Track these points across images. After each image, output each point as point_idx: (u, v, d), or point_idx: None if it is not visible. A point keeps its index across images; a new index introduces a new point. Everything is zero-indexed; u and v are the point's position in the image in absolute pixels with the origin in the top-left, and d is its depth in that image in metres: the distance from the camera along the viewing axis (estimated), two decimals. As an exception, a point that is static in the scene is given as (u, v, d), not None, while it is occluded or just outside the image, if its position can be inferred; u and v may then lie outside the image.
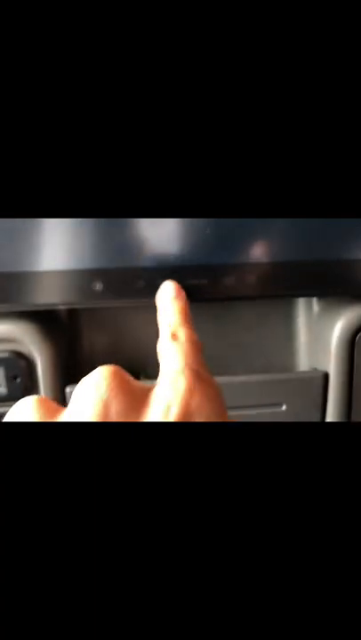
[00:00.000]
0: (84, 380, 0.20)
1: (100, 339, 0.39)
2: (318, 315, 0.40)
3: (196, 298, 0.32)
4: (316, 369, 0.39)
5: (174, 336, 0.25)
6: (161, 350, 0.25)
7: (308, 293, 0.36)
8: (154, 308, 0.40)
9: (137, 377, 0.39)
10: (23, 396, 0.35)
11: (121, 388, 0.19)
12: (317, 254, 0.33)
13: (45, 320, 0.36)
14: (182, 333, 0.25)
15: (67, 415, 0.19)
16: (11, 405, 0.35)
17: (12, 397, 0.35)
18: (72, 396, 0.20)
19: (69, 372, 0.37)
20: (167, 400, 0.19)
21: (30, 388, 0.35)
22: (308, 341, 0.41)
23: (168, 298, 0.28)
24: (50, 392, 0.35)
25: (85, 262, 0.31)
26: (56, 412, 0.20)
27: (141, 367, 0.40)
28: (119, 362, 0.39)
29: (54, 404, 0.21)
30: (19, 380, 0.35)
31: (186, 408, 0.19)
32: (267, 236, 0.33)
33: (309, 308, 0.41)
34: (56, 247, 0.30)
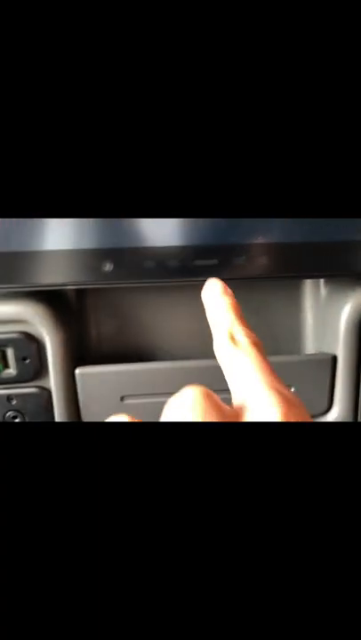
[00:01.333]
0: (175, 402, 0.20)
1: (111, 321, 0.40)
2: (326, 298, 0.40)
3: (205, 278, 0.32)
4: (323, 352, 0.39)
5: (233, 339, 0.24)
6: (223, 356, 0.24)
7: (317, 275, 0.36)
8: (163, 290, 0.40)
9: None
10: (34, 378, 0.36)
11: (215, 411, 0.19)
12: (326, 235, 0.33)
13: (55, 301, 0.36)
14: (241, 335, 0.24)
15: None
16: (20, 387, 0.36)
17: (22, 379, 0.35)
18: (163, 417, 0.19)
19: (80, 353, 0.38)
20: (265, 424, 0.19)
21: (40, 369, 0.36)
22: (316, 325, 0.41)
23: (215, 294, 0.27)
24: (59, 374, 0.36)
25: (95, 242, 0.31)
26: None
27: (150, 350, 0.40)
28: (128, 344, 0.40)
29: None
30: (28, 361, 0.35)
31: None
32: (277, 218, 0.33)
33: (317, 291, 0.41)
34: (65, 226, 0.30)
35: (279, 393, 0.20)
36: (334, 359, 0.38)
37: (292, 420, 0.19)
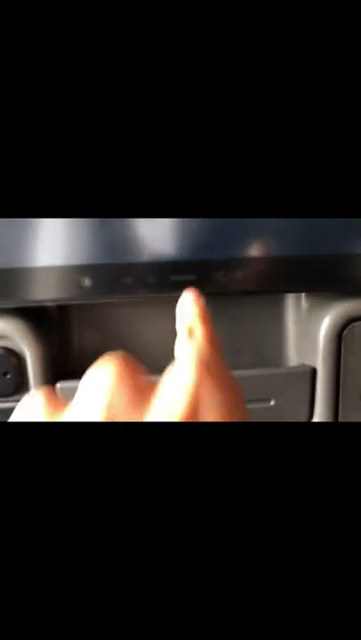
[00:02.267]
0: (91, 371, 0.20)
1: (91, 335, 0.40)
2: (307, 310, 0.41)
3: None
4: (304, 364, 0.40)
5: (190, 333, 0.24)
6: (177, 350, 0.24)
7: (296, 289, 0.36)
8: (143, 304, 0.40)
9: None
10: (15, 393, 0.36)
11: (126, 381, 0.19)
12: (305, 250, 0.34)
13: (36, 316, 0.36)
14: (199, 331, 0.24)
15: (71, 411, 0.19)
16: (1, 402, 0.36)
17: (3, 394, 0.36)
18: (79, 387, 0.20)
19: (60, 368, 0.38)
20: (173, 395, 0.19)
21: (21, 384, 0.36)
22: (297, 337, 0.42)
23: (187, 303, 0.27)
24: (40, 388, 0.36)
25: (73, 258, 0.31)
26: (62, 407, 0.20)
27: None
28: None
29: (60, 399, 0.21)
30: (9, 376, 0.35)
31: (193, 404, 0.18)
32: (255, 233, 0.33)
33: (298, 303, 0.41)
34: (44, 243, 0.31)
35: (203, 363, 0.20)
36: (314, 371, 0.38)
37: (206, 388, 0.19)
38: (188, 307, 0.27)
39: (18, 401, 0.35)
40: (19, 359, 0.35)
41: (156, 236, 0.32)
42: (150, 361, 0.40)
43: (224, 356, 0.41)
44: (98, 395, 0.19)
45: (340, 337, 0.37)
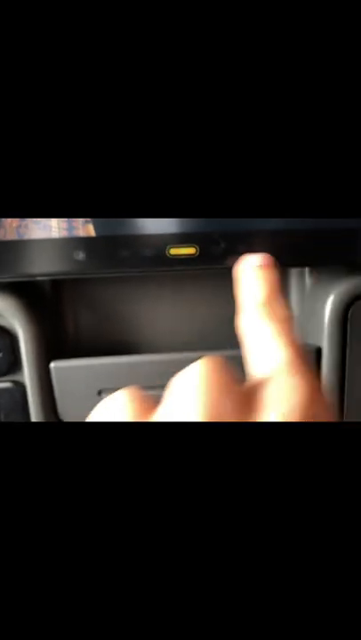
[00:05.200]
0: (182, 376, 0.18)
1: (86, 313, 0.38)
2: (311, 289, 0.39)
3: (183, 268, 0.31)
4: (308, 344, 0.38)
5: (264, 310, 0.21)
6: (248, 328, 0.22)
7: (300, 263, 0.35)
8: (140, 281, 0.39)
9: None
10: (7, 372, 0.34)
11: (226, 386, 0.17)
12: (310, 223, 0.32)
13: (28, 293, 0.34)
14: (280, 310, 0.21)
15: (162, 416, 0.17)
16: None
17: (-5, 373, 0.34)
18: (168, 392, 0.18)
19: (54, 347, 0.36)
20: (283, 410, 0.17)
21: (14, 363, 0.34)
22: (301, 316, 0.40)
23: (252, 266, 0.24)
24: (34, 368, 0.34)
25: (66, 230, 0.30)
26: (150, 410, 0.18)
27: (128, 343, 0.39)
28: (105, 337, 0.39)
29: (149, 400, 0.19)
30: (1, 354, 0.34)
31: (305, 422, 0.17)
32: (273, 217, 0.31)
33: (302, 282, 0.40)
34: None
35: (307, 374, 0.19)
36: (319, 351, 0.37)
37: (316, 407, 0.17)
38: (255, 275, 0.24)
39: (10, 381, 0.35)
40: (11, 338, 0.34)
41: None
42: (151, 340, 0.39)
43: (226, 335, 0.39)
44: (192, 402, 0.17)
45: (345, 316, 0.36)
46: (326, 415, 0.18)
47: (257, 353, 0.21)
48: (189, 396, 0.17)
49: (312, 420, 0.17)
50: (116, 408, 0.18)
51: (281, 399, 0.18)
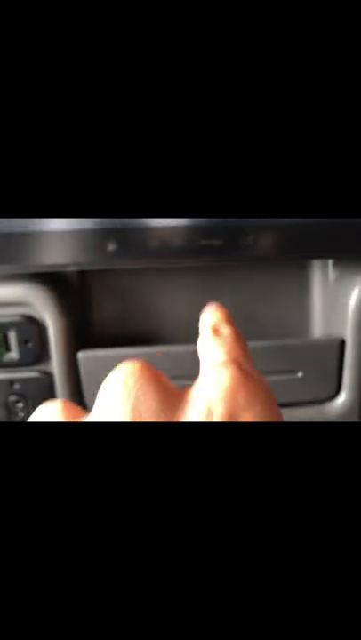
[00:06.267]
0: (109, 379, 0.19)
1: (112, 304, 0.39)
2: (334, 281, 0.39)
3: (210, 259, 0.31)
4: (331, 336, 0.39)
5: (216, 331, 0.23)
6: (201, 347, 0.23)
7: (326, 255, 0.35)
8: (166, 272, 0.39)
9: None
10: (36, 362, 0.35)
11: (152, 385, 0.18)
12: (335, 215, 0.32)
13: (58, 284, 0.35)
14: (225, 329, 0.23)
15: (92, 418, 0.18)
16: (22, 371, 0.35)
17: (24, 363, 0.35)
18: (97, 397, 0.18)
19: (81, 337, 0.37)
20: (209, 399, 0.18)
21: (41, 353, 0.35)
22: (324, 309, 0.40)
23: (210, 310, 0.27)
24: (62, 358, 0.35)
25: (98, 221, 0.30)
26: (80, 416, 0.19)
27: (153, 333, 0.39)
28: (131, 328, 0.39)
29: (78, 408, 0.19)
30: (30, 344, 0.34)
31: (232, 408, 0.17)
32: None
33: (325, 273, 0.40)
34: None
35: (237, 363, 0.19)
36: (342, 343, 0.37)
37: (243, 391, 0.18)
38: (212, 311, 0.26)
39: (39, 371, 0.35)
40: (40, 328, 0.34)
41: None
42: (176, 330, 0.39)
43: (249, 328, 0.40)
44: (119, 402, 0.17)
45: None
46: (261, 399, 0.18)
47: (203, 364, 0.22)
48: (114, 398, 0.18)
49: (242, 405, 0.17)
50: (49, 415, 0.19)
51: (206, 389, 0.18)
